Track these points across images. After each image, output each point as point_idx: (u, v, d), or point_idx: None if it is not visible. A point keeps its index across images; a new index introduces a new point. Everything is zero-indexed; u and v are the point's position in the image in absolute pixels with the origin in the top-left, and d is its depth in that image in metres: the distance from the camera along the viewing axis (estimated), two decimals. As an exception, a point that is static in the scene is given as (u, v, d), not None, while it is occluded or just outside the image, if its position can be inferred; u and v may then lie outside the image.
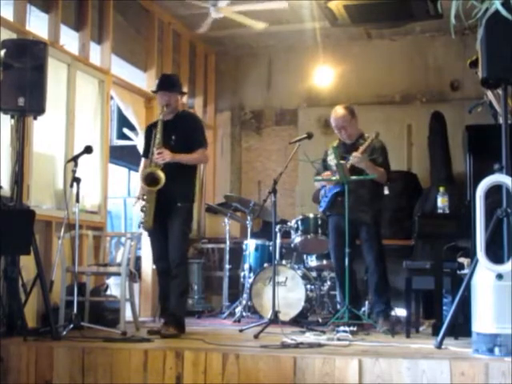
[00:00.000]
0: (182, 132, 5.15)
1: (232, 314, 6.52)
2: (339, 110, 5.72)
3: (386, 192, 5.69)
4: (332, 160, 5.61)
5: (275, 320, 5.16)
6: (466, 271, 4.66)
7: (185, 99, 8.09)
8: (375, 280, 5.50)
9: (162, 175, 4.95)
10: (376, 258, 5.51)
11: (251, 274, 6.46)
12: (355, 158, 5.45)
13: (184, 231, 5.13)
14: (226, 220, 7.06)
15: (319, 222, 6.36)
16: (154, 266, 5.35)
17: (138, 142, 7.10)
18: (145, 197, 5.03)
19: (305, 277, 6.18)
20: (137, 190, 5.42)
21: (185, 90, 7.99)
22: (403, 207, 7.42)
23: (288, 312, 5.86)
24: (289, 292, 6.03)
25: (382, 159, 5.63)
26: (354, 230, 5.47)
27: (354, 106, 5.96)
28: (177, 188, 5.05)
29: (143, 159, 5.37)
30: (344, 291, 5.33)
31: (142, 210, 5.04)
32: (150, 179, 5.00)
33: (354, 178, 5.50)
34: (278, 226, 6.38)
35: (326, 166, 5.80)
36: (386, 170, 5.62)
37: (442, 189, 5.26)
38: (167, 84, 5.26)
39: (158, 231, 5.10)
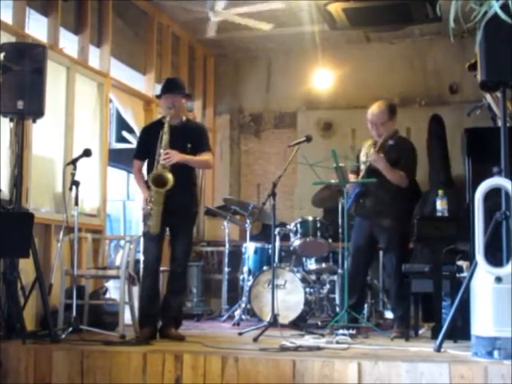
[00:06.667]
0: (190, 139, 5.08)
1: (231, 317, 6.51)
2: (376, 107, 5.48)
3: None
4: (363, 156, 5.51)
5: (274, 323, 5.14)
6: (465, 274, 4.66)
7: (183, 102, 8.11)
8: (395, 288, 5.37)
9: (170, 176, 4.87)
10: (396, 267, 5.28)
11: (250, 277, 6.46)
12: (371, 155, 5.35)
13: (192, 236, 5.28)
14: (225, 223, 7.05)
15: (318, 225, 6.35)
16: (144, 267, 5.14)
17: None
18: (152, 199, 4.92)
19: (304, 280, 6.17)
20: (136, 193, 5.38)
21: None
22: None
23: (287, 315, 5.86)
24: (288, 295, 6.02)
25: (404, 161, 5.39)
26: (372, 234, 5.45)
27: (356, 109, 5.89)
28: (186, 192, 5.06)
29: (136, 161, 5.24)
30: (350, 291, 5.34)
31: (148, 214, 4.94)
32: (158, 181, 4.91)
33: (352, 180, 5.51)
34: (277, 229, 6.37)
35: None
36: (407, 174, 5.36)
37: (440, 192, 5.25)
38: (170, 86, 5.20)
39: (160, 234, 5.05)
